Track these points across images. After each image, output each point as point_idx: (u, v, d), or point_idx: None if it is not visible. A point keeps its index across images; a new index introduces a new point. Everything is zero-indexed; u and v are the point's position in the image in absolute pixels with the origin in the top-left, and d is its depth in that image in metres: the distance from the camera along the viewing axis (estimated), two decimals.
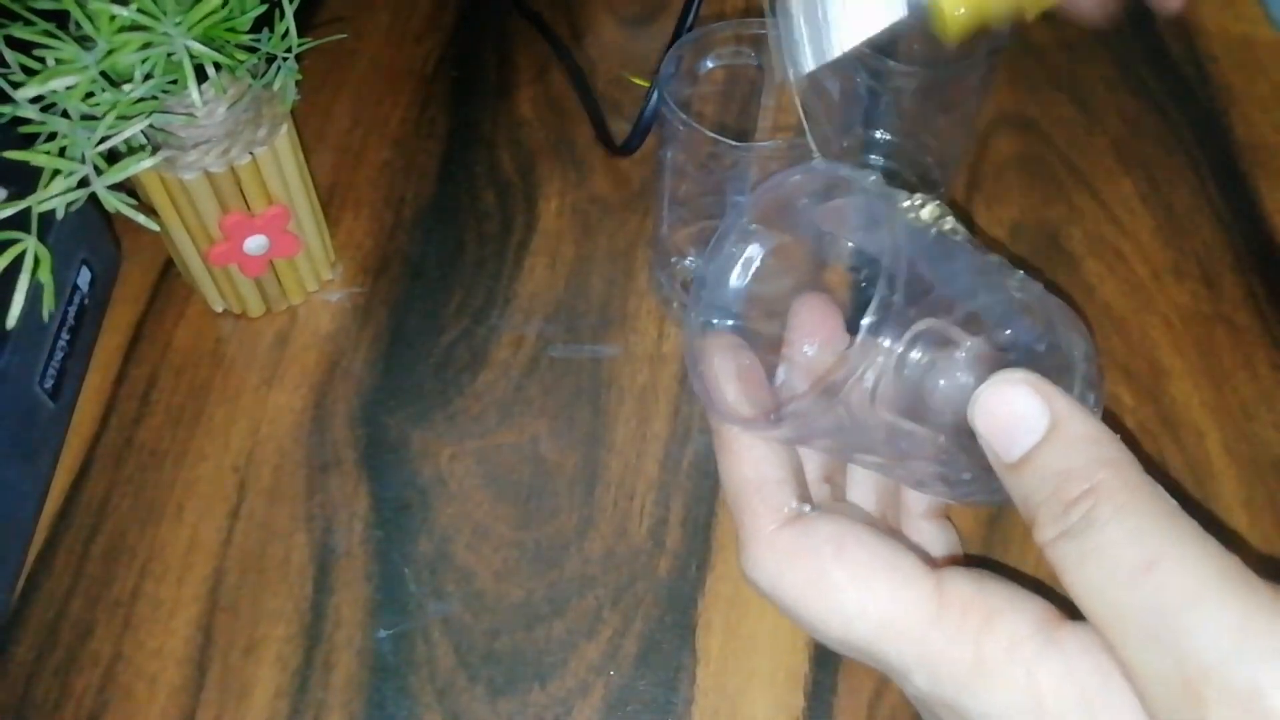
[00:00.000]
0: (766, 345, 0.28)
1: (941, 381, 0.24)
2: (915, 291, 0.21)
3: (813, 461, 0.27)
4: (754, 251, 0.27)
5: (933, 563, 0.23)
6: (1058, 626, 0.21)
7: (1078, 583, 0.19)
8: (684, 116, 0.32)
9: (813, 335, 0.28)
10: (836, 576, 0.22)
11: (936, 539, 0.28)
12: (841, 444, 0.25)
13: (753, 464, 0.25)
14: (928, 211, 0.23)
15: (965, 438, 0.22)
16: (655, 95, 0.38)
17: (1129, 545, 0.19)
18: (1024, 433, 0.21)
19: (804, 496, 0.25)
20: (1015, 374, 0.21)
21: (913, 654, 0.21)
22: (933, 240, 0.23)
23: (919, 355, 0.23)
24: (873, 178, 0.24)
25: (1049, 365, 0.23)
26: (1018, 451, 0.21)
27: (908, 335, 0.22)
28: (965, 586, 0.22)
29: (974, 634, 0.21)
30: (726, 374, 0.25)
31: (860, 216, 0.25)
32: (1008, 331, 0.24)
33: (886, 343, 0.22)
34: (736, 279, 0.27)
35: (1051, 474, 0.20)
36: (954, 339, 0.23)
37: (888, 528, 0.27)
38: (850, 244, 0.28)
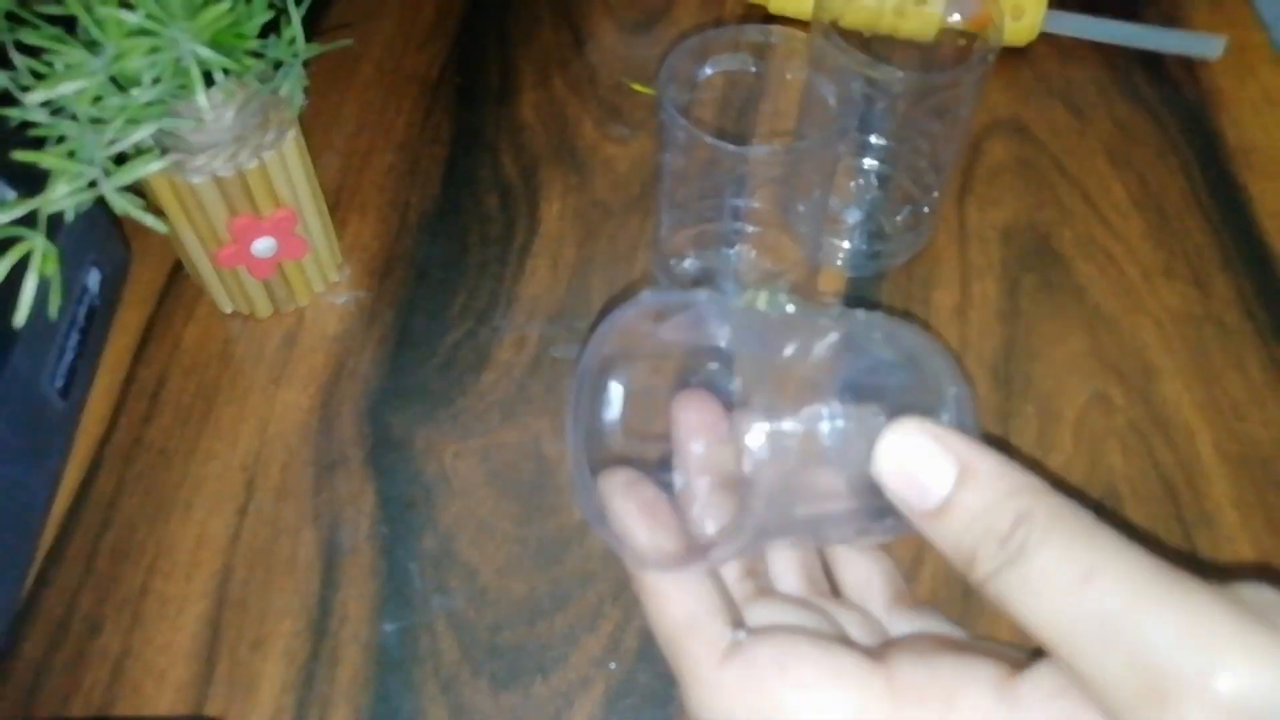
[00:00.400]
0: (659, 464, 0.27)
1: (835, 455, 0.24)
2: (776, 383, 0.22)
3: (732, 563, 0.26)
4: (614, 390, 0.27)
5: (876, 651, 0.23)
6: (1014, 685, 0.21)
7: (1023, 609, 0.19)
8: (683, 122, 0.32)
9: (699, 432, 0.27)
10: (789, 700, 0.22)
11: (873, 571, 0.28)
12: (762, 544, 0.25)
13: (680, 603, 0.24)
14: (763, 300, 0.24)
15: (878, 496, 0.22)
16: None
17: (1064, 562, 0.19)
18: (934, 481, 0.21)
19: (736, 621, 0.24)
20: (908, 424, 0.21)
21: None
22: (779, 323, 0.24)
23: (801, 441, 0.23)
24: (704, 295, 0.24)
25: (922, 404, 0.24)
26: (933, 500, 0.21)
27: (789, 429, 0.23)
28: (916, 672, 0.22)
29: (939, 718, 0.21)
30: (631, 515, 0.25)
31: (699, 325, 0.26)
32: (875, 383, 0.24)
33: (781, 434, 0.22)
34: (608, 417, 0.27)
35: (976, 514, 0.20)
36: (831, 413, 0.23)
37: (820, 599, 0.27)
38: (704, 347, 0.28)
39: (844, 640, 0.24)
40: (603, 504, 0.25)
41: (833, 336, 0.24)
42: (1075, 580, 0.19)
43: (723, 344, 0.25)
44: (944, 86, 0.37)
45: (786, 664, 0.22)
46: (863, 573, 0.28)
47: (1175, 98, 0.48)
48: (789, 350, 0.23)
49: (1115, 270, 0.42)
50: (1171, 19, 0.51)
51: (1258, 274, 0.41)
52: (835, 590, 0.28)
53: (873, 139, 0.42)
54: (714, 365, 0.27)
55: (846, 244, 0.41)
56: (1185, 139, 0.46)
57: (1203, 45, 0.48)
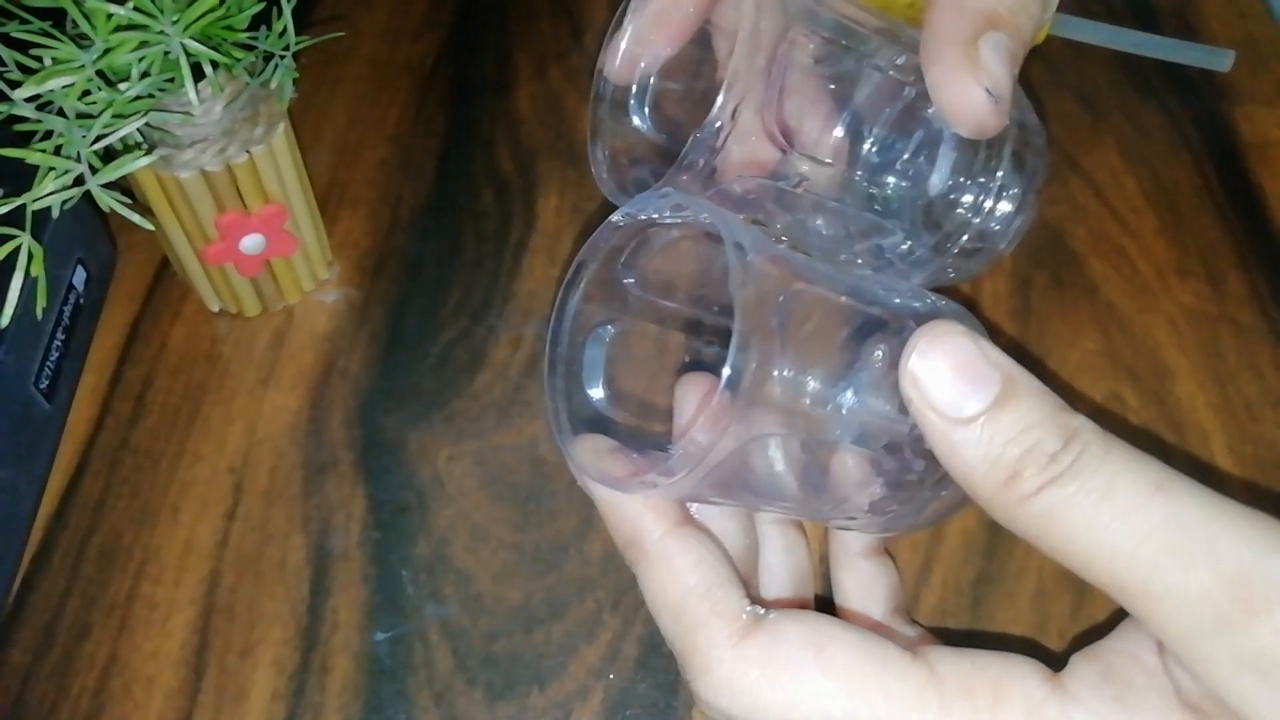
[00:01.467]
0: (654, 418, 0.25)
1: (855, 395, 0.22)
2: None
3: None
4: (593, 354, 0.25)
5: (909, 644, 0.21)
6: (1059, 677, 0.20)
7: (1080, 526, 0.18)
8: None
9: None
10: (822, 686, 0.20)
11: (877, 578, 0.27)
12: (748, 492, 0.23)
13: (692, 570, 0.21)
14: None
15: (891, 452, 0.21)
16: None
17: (1133, 473, 0.18)
18: (975, 387, 0.19)
19: (754, 596, 0.22)
20: (952, 325, 0.19)
21: None
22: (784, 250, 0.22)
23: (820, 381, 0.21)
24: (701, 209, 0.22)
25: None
26: (971, 408, 0.19)
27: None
28: (959, 664, 0.20)
29: (988, 713, 0.19)
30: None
31: (695, 261, 0.24)
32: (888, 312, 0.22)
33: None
34: (591, 388, 0.25)
35: (1023, 427, 0.19)
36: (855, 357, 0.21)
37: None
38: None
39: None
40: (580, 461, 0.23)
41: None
42: (1147, 490, 0.18)
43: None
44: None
45: (822, 645, 0.20)
46: (867, 578, 0.27)
47: (1189, 93, 0.47)
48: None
49: (1128, 268, 0.41)
50: (1184, 14, 0.50)
51: (1272, 272, 0.41)
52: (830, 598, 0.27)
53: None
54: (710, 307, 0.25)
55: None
56: (1199, 134, 0.45)
57: (1213, 58, 0.47)
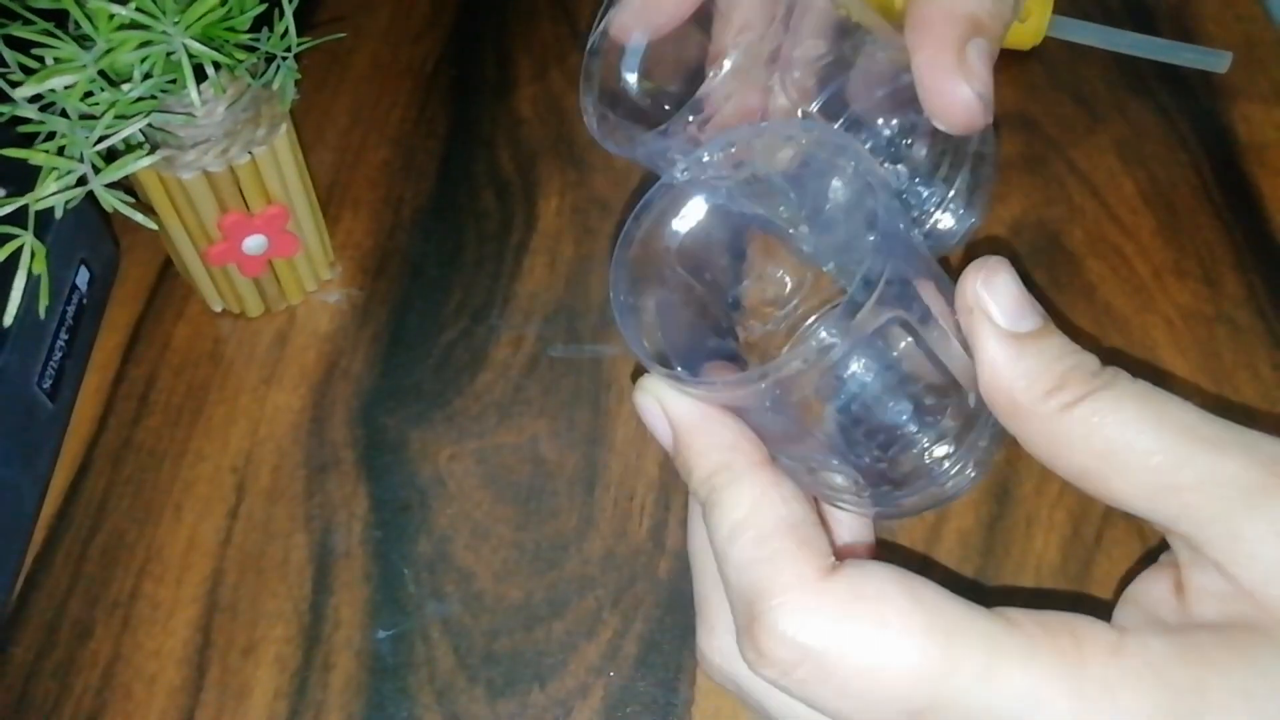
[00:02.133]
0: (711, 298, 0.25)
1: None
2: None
3: None
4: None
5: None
6: (1116, 623, 0.20)
7: (1121, 424, 0.19)
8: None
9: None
10: (915, 619, 0.19)
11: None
12: (776, 426, 0.22)
13: (786, 500, 0.21)
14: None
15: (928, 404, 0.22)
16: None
17: (1164, 393, 0.20)
18: (1026, 311, 0.21)
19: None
20: (1003, 260, 0.21)
21: (1028, 692, 0.19)
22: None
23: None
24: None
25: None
26: (1026, 325, 0.21)
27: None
28: (1027, 616, 0.20)
29: (1075, 652, 0.19)
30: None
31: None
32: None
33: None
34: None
35: (1069, 349, 0.21)
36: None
37: None
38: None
39: None
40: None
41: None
42: (1178, 400, 0.20)
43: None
44: None
45: (913, 586, 0.20)
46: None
47: (1186, 93, 0.47)
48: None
49: (1125, 268, 0.41)
50: (1181, 16, 0.51)
51: (1269, 272, 0.41)
52: None
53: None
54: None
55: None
56: (1196, 135, 0.45)
57: (1210, 60, 0.48)
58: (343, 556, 0.34)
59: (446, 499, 0.35)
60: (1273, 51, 0.49)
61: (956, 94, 0.24)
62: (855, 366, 0.23)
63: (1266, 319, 0.39)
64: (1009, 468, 0.35)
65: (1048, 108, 0.47)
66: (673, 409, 0.23)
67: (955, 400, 0.24)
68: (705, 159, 0.23)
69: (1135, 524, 0.34)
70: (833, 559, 0.20)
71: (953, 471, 0.24)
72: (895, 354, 0.23)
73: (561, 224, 0.43)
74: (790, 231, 0.26)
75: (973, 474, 0.24)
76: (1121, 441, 0.20)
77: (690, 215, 0.24)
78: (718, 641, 0.22)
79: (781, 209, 0.25)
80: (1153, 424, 0.20)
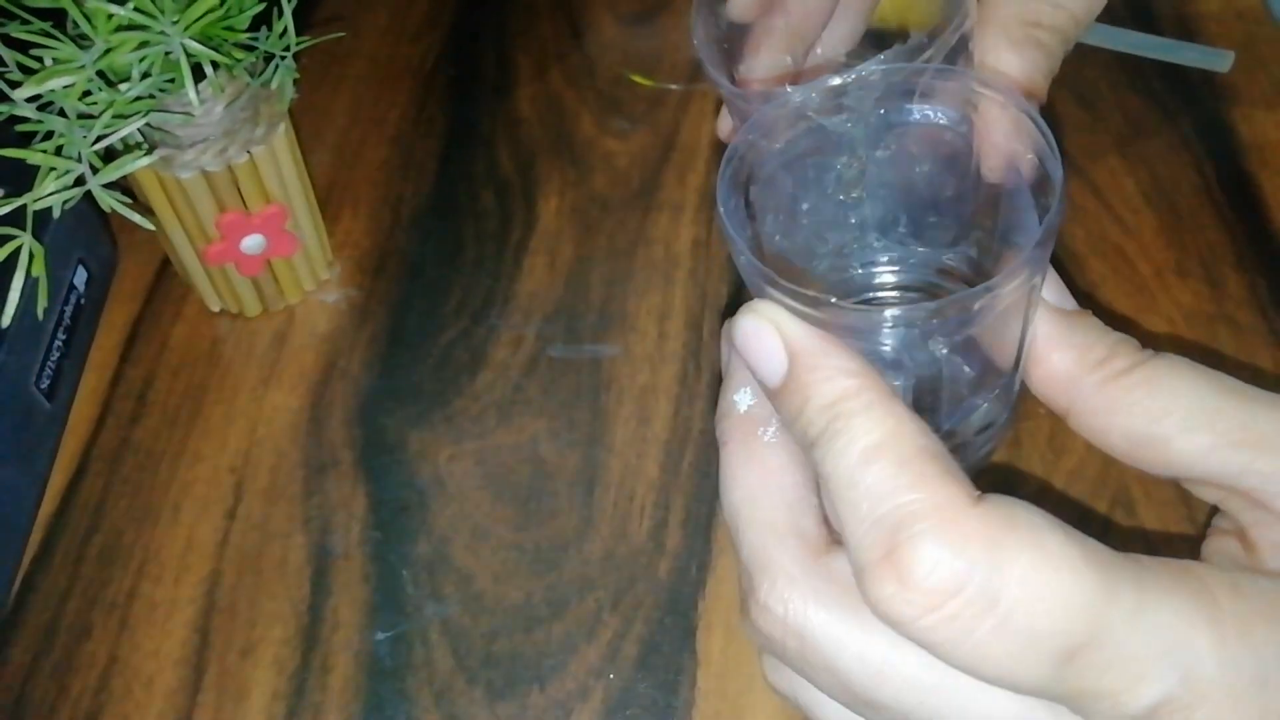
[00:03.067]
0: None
1: None
2: None
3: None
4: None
5: None
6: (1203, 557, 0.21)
7: (1179, 383, 0.20)
8: (715, 73, 0.27)
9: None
10: (1065, 550, 0.18)
11: None
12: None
13: (924, 431, 0.19)
14: None
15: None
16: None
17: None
18: (1068, 293, 0.24)
19: None
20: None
21: (1173, 631, 0.18)
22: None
23: None
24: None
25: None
26: (1070, 305, 0.23)
27: None
28: (1149, 558, 0.19)
29: (1206, 594, 0.19)
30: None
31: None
32: None
33: None
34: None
35: (1110, 329, 0.22)
36: None
37: None
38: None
39: None
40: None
41: None
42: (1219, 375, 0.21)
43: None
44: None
45: (1068, 528, 0.18)
46: None
47: (1187, 92, 0.47)
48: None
49: (1127, 268, 0.41)
50: (1183, 15, 0.50)
51: (1271, 272, 0.41)
52: None
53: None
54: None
55: None
56: (1198, 134, 0.45)
57: (1212, 59, 0.48)
58: (341, 557, 0.34)
59: (446, 500, 0.35)
60: (1274, 51, 0.49)
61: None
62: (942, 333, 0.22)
63: (1268, 318, 0.39)
64: (1010, 470, 0.35)
65: (1049, 107, 0.47)
66: (792, 331, 0.20)
67: (1005, 379, 0.23)
68: (813, 94, 0.23)
69: (1137, 527, 0.34)
70: (976, 490, 0.19)
71: (984, 449, 0.24)
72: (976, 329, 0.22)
73: (561, 224, 0.43)
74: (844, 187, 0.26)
75: (990, 449, 0.25)
76: (1183, 401, 0.20)
77: (794, 137, 0.24)
78: (781, 590, 0.20)
79: (845, 163, 0.25)
80: (1210, 386, 0.20)
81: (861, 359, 0.20)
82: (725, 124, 0.31)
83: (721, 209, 0.21)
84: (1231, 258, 0.41)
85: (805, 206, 0.25)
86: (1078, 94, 0.47)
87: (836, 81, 0.23)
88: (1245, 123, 0.46)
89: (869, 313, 0.21)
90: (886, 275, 0.26)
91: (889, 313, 0.20)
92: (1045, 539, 0.18)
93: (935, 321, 0.20)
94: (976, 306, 0.20)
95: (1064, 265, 0.41)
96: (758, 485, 0.22)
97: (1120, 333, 0.22)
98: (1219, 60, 0.48)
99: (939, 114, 0.24)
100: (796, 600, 0.20)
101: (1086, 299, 0.40)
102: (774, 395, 0.21)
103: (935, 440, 0.19)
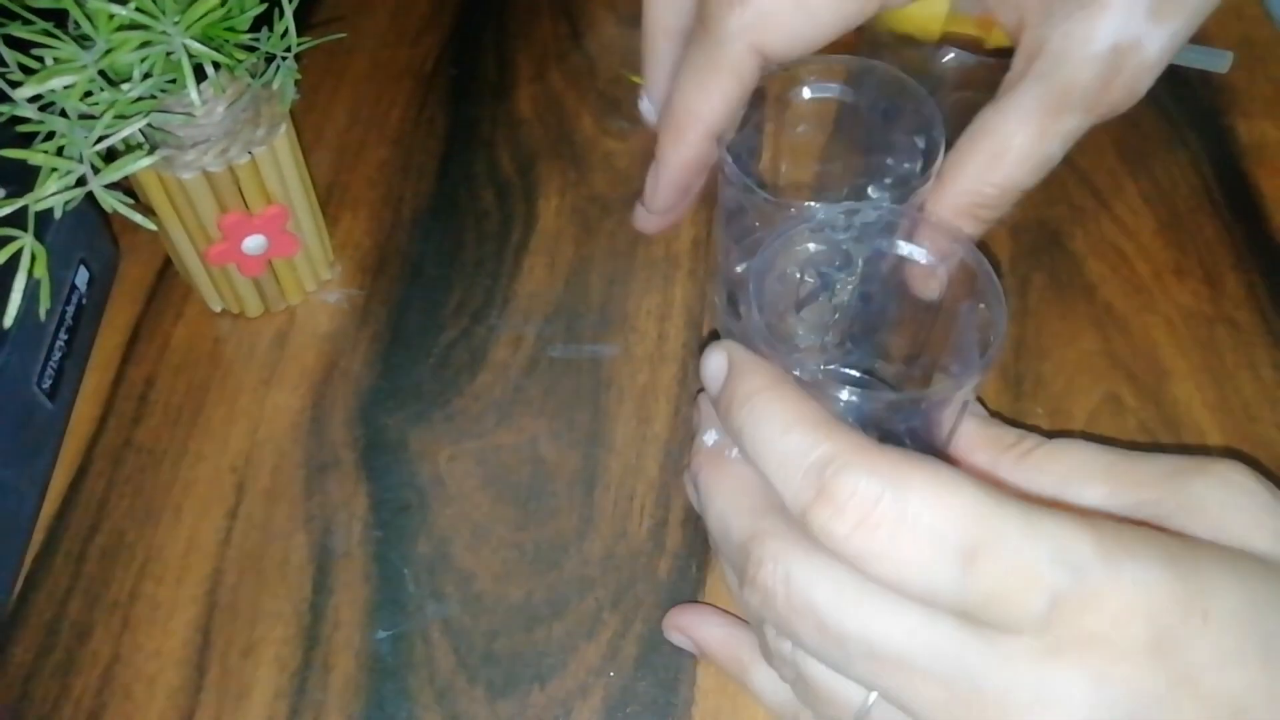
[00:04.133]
0: None
1: None
2: None
3: None
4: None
5: None
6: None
7: (1074, 451, 0.26)
8: (744, 179, 0.30)
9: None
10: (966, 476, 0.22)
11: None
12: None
13: (827, 411, 0.23)
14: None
15: None
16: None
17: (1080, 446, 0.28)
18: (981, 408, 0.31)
19: None
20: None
21: (1062, 533, 0.22)
22: None
23: None
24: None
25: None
26: (983, 413, 0.30)
27: None
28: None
29: (1080, 514, 0.23)
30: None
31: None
32: None
33: None
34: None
35: (1007, 428, 0.29)
36: None
37: None
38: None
39: None
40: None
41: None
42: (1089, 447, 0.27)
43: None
44: (986, 75, 0.36)
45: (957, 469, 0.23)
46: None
47: (1186, 93, 0.47)
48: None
49: (1126, 269, 0.41)
50: None
51: (1269, 272, 0.41)
52: None
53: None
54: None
55: None
56: (1197, 136, 0.45)
57: (1211, 60, 0.48)
58: (342, 557, 0.34)
59: (446, 499, 0.35)
60: (1273, 51, 0.49)
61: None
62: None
63: (1267, 319, 0.39)
64: None
65: None
66: (733, 351, 0.25)
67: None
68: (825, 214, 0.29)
69: None
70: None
71: None
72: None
73: (561, 224, 0.43)
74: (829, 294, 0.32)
75: None
76: (1080, 463, 0.26)
77: (800, 251, 0.30)
78: (770, 547, 0.23)
79: (842, 279, 0.31)
80: (1097, 451, 0.26)
81: (783, 371, 0.24)
82: (654, 191, 0.35)
83: (752, 286, 0.26)
84: (1230, 258, 0.41)
85: (804, 294, 0.31)
86: None
87: (850, 208, 0.28)
88: (1244, 123, 0.46)
89: (851, 397, 0.25)
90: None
91: (873, 396, 0.25)
92: (939, 467, 0.21)
93: (896, 411, 0.26)
94: (923, 405, 0.26)
95: (1063, 265, 0.41)
96: (734, 489, 0.25)
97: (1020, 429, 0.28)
98: (1218, 60, 0.48)
99: (917, 252, 0.29)
100: (783, 551, 0.23)
101: (1085, 299, 0.40)
102: (716, 405, 0.25)
103: (839, 417, 0.23)
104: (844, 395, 0.24)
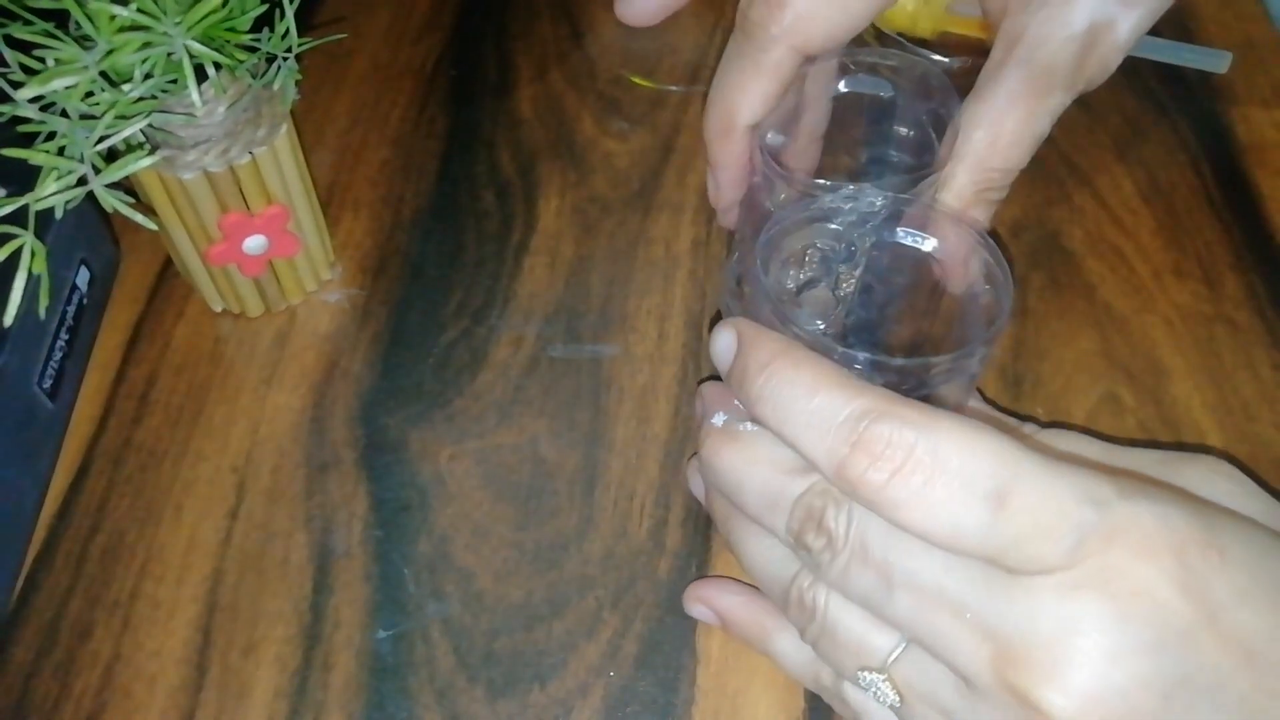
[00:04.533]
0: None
1: None
2: None
3: None
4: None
5: None
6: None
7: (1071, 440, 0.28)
8: (779, 168, 0.31)
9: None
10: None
11: None
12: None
13: (845, 369, 0.25)
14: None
15: None
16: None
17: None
18: None
19: None
20: None
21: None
22: None
23: None
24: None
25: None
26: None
27: None
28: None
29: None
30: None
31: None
32: None
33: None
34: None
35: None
36: None
37: None
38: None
39: None
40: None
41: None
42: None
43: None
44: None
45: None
46: None
47: (1185, 93, 0.47)
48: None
49: (1125, 269, 0.41)
50: (1181, 16, 0.51)
51: (1268, 272, 0.41)
52: None
53: (906, 131, 0.41)
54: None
55: None
56: (1195, 135, 0.46)
57: (1210, 60, 0.48)
58: (343, 556, 0.34)
59: (447, 499, 0.35)
60: (1273, 51, 0.49)
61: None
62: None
63: (1266, 319, 0.39)
64: None
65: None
66: (740, 325, 0.26)
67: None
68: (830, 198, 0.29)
69: None
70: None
71: None
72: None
73: (561, 224, 0.43)
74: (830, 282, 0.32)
75: None
76: (1073, 449, 0.27)
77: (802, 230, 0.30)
78: (820, 486, 0.24)
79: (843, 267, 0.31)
80: (1090, 440, 0.28)
81: (792, 339, 0.25)
82: (718, 191, 0.36)
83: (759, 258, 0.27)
84: (1229, 258, 0.41)
85: (805, 279, 0.32)
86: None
87: (855, 193, 0.29)
88: (1243, 123, 0.46)
89: (862, 364, 0.25)
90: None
91: (884, 362, 0.25)
92: (965, 419, 0.22)
93: (906, 378, 0.25)
94: (934, 372, 0.26)
95: (1062, 265, 0.41)
96: (764, 457, 0.25)
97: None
98: (1217, 61, 0.48)
99: (921, 240, 0.30)
100: (839, 497, 0.23)
101: (1085, 299, 0.40)
102: (728, 378, 0.26)
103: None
104: (856, 361, 0.25)
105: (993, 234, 0.31)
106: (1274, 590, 0.21)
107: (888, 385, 0.25)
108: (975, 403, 0.30)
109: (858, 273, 0.31)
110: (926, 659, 0.23)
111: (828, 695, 0.28)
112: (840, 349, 0.25)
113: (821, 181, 0.30)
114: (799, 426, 0.23)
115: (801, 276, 0.32)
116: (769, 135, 0.34)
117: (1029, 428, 0.29)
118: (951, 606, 0.22)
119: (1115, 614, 0.20)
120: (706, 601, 0.31)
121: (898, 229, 0.30)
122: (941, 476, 0.21)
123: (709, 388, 0.30)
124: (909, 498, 0.21)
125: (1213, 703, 0.20)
